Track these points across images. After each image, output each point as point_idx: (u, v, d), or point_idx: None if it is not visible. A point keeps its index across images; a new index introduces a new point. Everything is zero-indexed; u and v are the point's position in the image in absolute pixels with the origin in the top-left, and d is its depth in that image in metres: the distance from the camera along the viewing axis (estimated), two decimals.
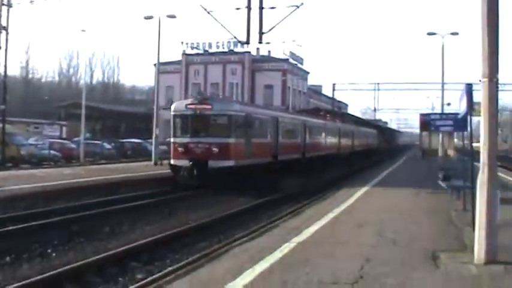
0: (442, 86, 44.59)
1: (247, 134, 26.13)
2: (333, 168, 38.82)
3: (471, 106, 10.40)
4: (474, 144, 12.20)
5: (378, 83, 72.57)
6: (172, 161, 25.49)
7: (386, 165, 41.60)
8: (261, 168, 27.36)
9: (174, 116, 25.93)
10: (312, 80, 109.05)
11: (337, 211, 15.26)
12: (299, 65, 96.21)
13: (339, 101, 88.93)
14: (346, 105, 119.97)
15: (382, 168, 36.77)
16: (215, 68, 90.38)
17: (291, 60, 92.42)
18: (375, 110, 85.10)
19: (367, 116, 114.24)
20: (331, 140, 44.64)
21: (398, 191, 20.61)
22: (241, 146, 25.54)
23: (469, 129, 12.27)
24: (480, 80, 8.78)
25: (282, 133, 30.91)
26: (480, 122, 8.82)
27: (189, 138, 25.08)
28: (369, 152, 64.39)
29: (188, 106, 25.58)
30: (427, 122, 19.08)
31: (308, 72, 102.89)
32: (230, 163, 24.48)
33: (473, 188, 10.65)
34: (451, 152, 42.84)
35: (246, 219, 17.58)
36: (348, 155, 49.79)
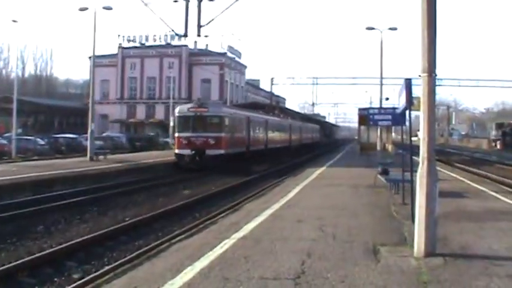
0: (381, 81, 45.30)
1: (232, 130, 35.41)
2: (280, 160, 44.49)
3: (410, 101, 10.50)
4: (413, 139, 12.35)
5: (317, 78, 72.51)
6: (177, 151, 33.84)
7: (323, 160, 42.01)
8: (238, 157, 35.96)
9: (179, 116, 34.49)
10: (250, 75, 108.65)
11: (276, 207, 15.21)
12: (237, 59, 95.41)
13: (276, 96, 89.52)
14: (284, 99, 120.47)
15: (319, 163, 37.09)
16: (152, 62, 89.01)
17: (229, 54, 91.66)
18: (313, 104, 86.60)
19: (305, 111, 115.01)
20: (284, 134, 54.24)
21: (337, 186, 20.73)
22: (228, 139, 34.51)
23: (407, 123, 12.41)
24: (420, 75, 8.85)
25: (252, 129, 40.84)
26: (420, 116, 8.88)
27: (191, 133, 33.46)
28: (313, 146, 68.70)
29: (190, 109, 34.30)
30: (366, 117, 19.29)
31: (246, 66, 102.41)
32: (221, 151, 33.28)
33: (412, 182, 10.77)
34: (389, 147, 43.76)
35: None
36: (286, 148, 53.35)
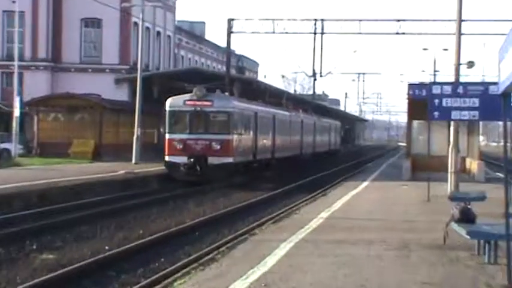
0: (459, 26, 19.62)
1: (241, 131, 29.50)
2: None
3: None
4: None
5: (320, 20, 40.68)
6: (167, 158, 27.29)
7: (345, 182, 28.81)
8: (245, 167, 30.35)
9: (171, 111, 27.89)
10: (183, 14, 64.15)
11: None
12: None
13: (241, 56, 60.94)
14: (256, 63, 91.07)
15: (336, 187, 26.07)
16: None
17: None
18: (313, 75, 49.03)
19: (297, 88, 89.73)
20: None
21: (365, 244, 11.17)
22: (238, 143, 28.70)
23: None
24: None
25: (260, 130, 32.70)
26: None
27: (188, 134, 27.28)
28: (329, 156, 53.49)
29: (187, 102, 27.65)
30: (424, 102, 10.19)
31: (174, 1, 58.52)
32: (230, 160, 27.42)
33: None
34: (473, 164, 27.20)
35: None
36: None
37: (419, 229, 13.05)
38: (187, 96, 28.22)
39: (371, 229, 13.10)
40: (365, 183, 26.09)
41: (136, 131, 33.58)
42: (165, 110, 28.37)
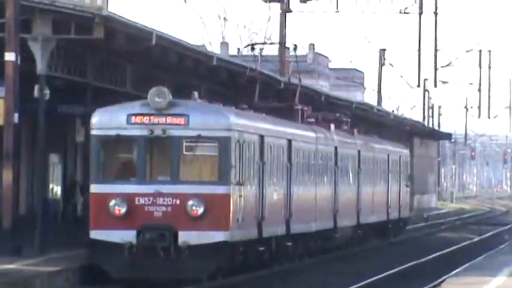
0: None
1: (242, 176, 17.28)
2: None
3: None
4: None
5: None
6: (93, 233, 16.00)
7: None
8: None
9: (99, 138, 16.42)
10: None
11: None
12: None
13: None
14: None
15: None
16: None
17: None
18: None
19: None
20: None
21: None
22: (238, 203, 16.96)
23: None
24: None
25: (267, 171, 19.56)
26: None
27: (137, 184, 16.15)
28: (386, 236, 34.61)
29: (134, 118, 16.24)
30: None
31: None
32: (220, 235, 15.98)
33: None
34: None
35: None
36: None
37: None
38: (135, 106, 16.63)
39: None
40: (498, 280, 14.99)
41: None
42: (88, 135, 17.41)
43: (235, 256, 17.31)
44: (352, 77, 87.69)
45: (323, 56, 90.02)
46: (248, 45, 29.03)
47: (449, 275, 18.26)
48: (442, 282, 16.63)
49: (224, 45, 79.82)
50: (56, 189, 29.21)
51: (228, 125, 16.72)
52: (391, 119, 53.97)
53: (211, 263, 15.98)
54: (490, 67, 79.37)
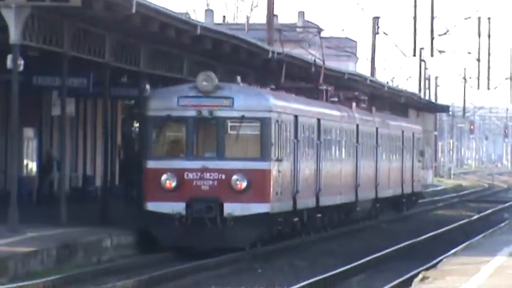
0: None
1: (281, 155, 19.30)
2: None
3: None
4: None
5: None
6: (149, 206, 17.99)
7: None
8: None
9: (153, 119, 18.55)
10: None
11: None
12: None
13: None
14: None
15: None
16: None
17: None
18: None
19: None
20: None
21: None
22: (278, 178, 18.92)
23: None
24: None
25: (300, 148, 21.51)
26: None
27: (187, 160, 18.29)
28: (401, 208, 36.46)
29: (184, 99, 18.37)
30: None
31: None
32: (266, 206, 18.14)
33: None
34: None
35: None
36: None
37: None
38: (184, 89, 18.95)
39: None
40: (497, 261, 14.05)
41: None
42: (142, 116, 19.59)
43: (274, 226, 19.30)
44: (344, 46, 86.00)
45: (313, 24, 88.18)
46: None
47: (446, 255, 17.71)
48: (438, 262, 15.79)
49: (209, 12, 78.20)
50: (31, 165, 28.21)
51: (268, 106, 18.93)
52: (385, 91, 52.69)
53: (253, 233, 18.06)
54: (489, 35, 77.25)
